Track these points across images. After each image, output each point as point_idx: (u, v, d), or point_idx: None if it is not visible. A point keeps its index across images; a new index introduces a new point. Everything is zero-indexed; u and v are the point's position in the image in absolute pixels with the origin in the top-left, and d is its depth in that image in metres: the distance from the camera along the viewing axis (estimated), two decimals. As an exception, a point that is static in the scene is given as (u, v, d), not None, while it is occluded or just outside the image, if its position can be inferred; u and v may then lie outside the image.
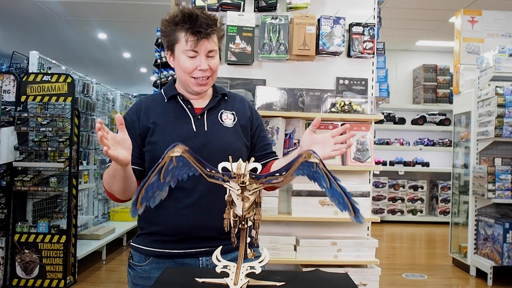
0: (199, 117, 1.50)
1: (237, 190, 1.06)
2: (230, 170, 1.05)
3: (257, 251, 1.48)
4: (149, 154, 1.46)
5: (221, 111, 1.54)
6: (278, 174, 1.07)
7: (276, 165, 1.54)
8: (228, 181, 1.07)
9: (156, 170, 1.06)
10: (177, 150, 1.05)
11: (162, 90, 1.57)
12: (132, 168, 1.45)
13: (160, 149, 1.42)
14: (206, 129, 1.48)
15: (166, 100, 1.52)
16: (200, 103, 1.53)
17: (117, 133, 1.28)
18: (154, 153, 1.44)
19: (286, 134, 2.68)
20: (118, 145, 1.25)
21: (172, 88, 1.55)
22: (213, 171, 1.09)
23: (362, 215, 1.02)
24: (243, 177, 1.04)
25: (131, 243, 1.53)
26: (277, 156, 1.63)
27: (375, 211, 7.74)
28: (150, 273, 1.45)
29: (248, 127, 1.56)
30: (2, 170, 3.86)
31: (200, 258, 1.45)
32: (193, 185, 1.41)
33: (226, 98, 1.58)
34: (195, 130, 1.47)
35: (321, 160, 1.01)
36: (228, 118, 1.53)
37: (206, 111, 1.51)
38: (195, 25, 1.41)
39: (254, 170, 1.07)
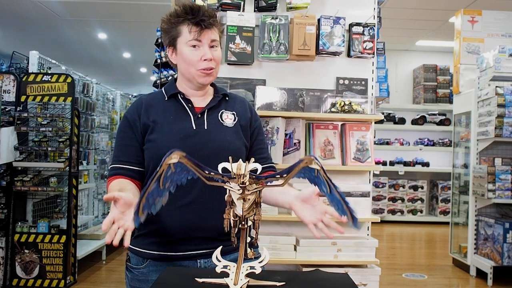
0: (199, 115, 1.49)
1: (237, 190, 1.06)
2: (230, 170, 1.05)
3: (256, 251, 1.48)
4: (148, 152, 1.46)
5: (221, 111, 1.53)
6: (278, 176, 1.06)
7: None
8: (228, 182, 1.07)
9: (155, 178, 1.06)
10: (175, 157, 1.04)
11: (162, 89, 1.56)
12: (133, 169, 1.46)
13: (159, 147, 1.42)
14: (206, 128, 1.47)
15: (166, 99, 1.51)
16: (200, 102, 1.53)
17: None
18: (153, 151, 1.44)
19: (286, 134, 2.68)
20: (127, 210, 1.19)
21: (173, 86, 1.54)
22: (212, 173, 1.09)
23: (360, 223, 1.06)
24: (243, 178, 1.03)
25: (129, 245, 1.52)
26: (272, 163, 1.61)
27: (375, 211, 7.74)
28: (148, 275, 1.44)
29: (248, 127, 1.55)
30: (2, 170, 3.86)
31: (198, 261, 1.44)
32: (190, 183, 1.40)
33: (227, 98, 1.57)
34: (194, 128, 1.46)
35: (322, 167, 1.01)
36: (228, 118, 1.52)
37: (206, 110, 1.50)
38: (197, 15, 1.42)
39: (254, 170, 1.07)
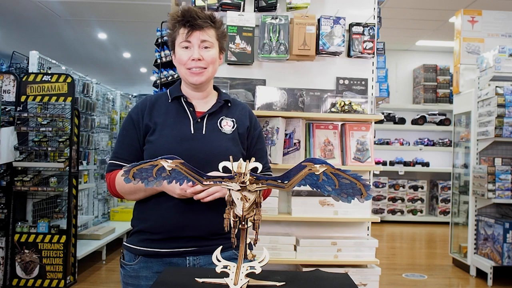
0: (199, 120, 1.51)
1: (237, 190, 1.06)
2: (231, 169, 1.05)
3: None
4: (147, 152, 1.49)
5: (221, 117, 1.55)
6: (280, 181, 1.06)
7: None
8: (228, 182, 1.07)
9: (149, 164, 1.08)
10: (169, 165, 1.05)
11: (168, 90, 1.60)
12: None
13: (157, 148, 1.45)
14: (204, 133, 1.49)
15: (170, 100, 1.55)
16: (202, 107, 1.55)
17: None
18: (151, 152, 1.46)
19: (286, 134, 2.68)
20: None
21: (177, 89, 1.58)
22: (210, 179, 1.10)
23: (371, 186, 1.01)
24: (243, 176, 1.03)
25: (124, 243, 1.56)
26: (269, 172, 1.64)
27: (375, 211, 7.74)
28: (139, 272, 1.47)
29: (245, 135, 1.58)
30: (2, 170, 3.86)
31: (187, 258, 1.46)
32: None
33: (229, 105, 1.59)
34: (192, 132, 1.49)
35: (329, 164, 0.97)
36: (227, 125, 1.54)
37: (206, 115, 1.53)
38: (186, 17, 1.46)
39: (254, 170, 1.07)
